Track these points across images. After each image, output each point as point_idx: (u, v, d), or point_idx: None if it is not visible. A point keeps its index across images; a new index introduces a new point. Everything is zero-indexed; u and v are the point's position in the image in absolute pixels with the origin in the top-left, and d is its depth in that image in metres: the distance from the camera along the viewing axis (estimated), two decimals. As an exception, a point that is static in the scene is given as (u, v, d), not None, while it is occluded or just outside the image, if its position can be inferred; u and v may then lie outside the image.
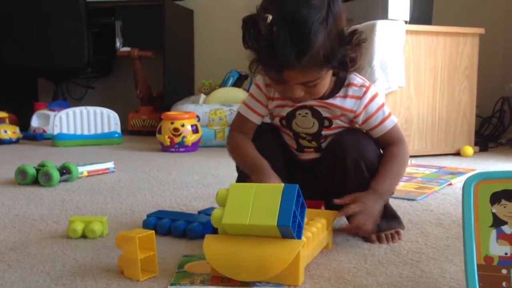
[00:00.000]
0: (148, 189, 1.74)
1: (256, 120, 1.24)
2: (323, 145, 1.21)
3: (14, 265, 1.01)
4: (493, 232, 0.78)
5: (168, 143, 2.70)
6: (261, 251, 0.88)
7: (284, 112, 1.20)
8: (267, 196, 0.90)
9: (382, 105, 1.17)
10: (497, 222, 0.78)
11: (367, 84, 1.18)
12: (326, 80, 1.11)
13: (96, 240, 1.16)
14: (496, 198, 0.80)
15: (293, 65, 1.02)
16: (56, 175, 1.78)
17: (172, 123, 2.70)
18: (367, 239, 1.15)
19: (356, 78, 1.18)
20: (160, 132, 2.73)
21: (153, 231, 0.95)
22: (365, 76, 2.32)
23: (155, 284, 0.91)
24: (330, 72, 1.11)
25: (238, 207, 0.90)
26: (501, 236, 0.77)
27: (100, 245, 1.13)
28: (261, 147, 1.20)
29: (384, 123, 1.17)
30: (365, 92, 1.16)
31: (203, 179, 1.93)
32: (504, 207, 0.79)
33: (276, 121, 1.23)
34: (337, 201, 1.11)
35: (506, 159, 2.49)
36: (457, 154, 2.58)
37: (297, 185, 0.91)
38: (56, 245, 1.13)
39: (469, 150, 2.56)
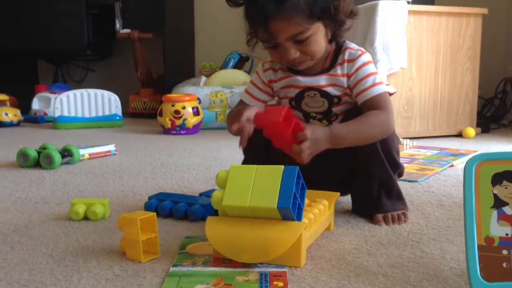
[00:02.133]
0: (149, 171, 1.74)
1: (254, 103, 1.24)
2: (334, 123, 1.20)
3: (17, 247, 1.01)
4: (494, 213, 0.78)
5: (169, 126, 2.69)
6: (263, 233, 0.88)
7: (292, 93, 1.20)
8: (267, 178, 0.90)
9: (374, 73, 1.16)
10: (498, 203, 0.78)
11: (363, 49, 1.18)
12: (318, 37, 1.10)
13: (98, 222, 1.17)
14: (497, 179, 0.80)
15: (274, 12, 1.03)
16: (57, 157, 1.78)
17: (173, 106, 2.69)
18: (373, 219, 1.15)
19: (352, 44, 1.19)
20: (161, 115, 2.73)
21: (155, 213, 0.95)
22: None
23: (157, 265, 0.91)
24: (322, 29, 1.10)
25: (238, 189, 0.91)
26: (502, 217, 0.77)
27: (102, 227, 1.13)
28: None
29: (372, 88, 1.14)
30: (359, 56, 1.16)
31: (204, 161, 1.93)
32: (506, 188, 0.79)
33: (285, 102, 1.23)
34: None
35: (508, 140, 2.49)
36: (459, 135, 2.58)
37: (297, 167, 0.91)
38: (58, 227, 1.14)
39: (471, 131, 2.56)
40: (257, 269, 0.87)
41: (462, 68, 2.57)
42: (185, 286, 0.81)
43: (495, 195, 0.79)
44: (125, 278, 0.86)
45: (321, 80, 1.17)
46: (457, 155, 1.99)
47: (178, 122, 2.69)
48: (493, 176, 0.81)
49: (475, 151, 2.09)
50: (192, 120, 2.71)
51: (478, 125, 2.66)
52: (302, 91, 1.19)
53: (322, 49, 1.12)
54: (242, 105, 1.24)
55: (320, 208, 1.02)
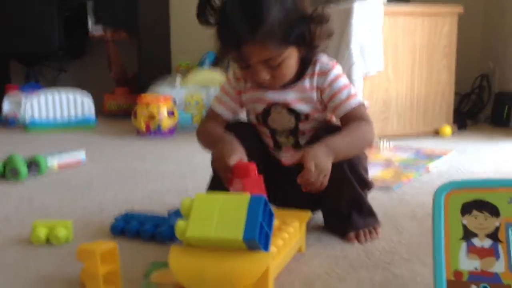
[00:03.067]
0: (120, 183, 1.70)
1: (227, 114, 1.21)
2: (301, 141, 1.17)
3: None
4: (463, 245, 0.75)
5: (144, 129, 2.64)
6: (229, 265, 0.84)
7: (259, 108, 1.16)
8: (233, 208, 0.87)
9: (348, 85, 1.14)
10: (468, 235, 0.76)
11: (334, 61, 1.15)
12: (291, 61, 1.08)
13: (60, 247, 1.12)
14: (467, 208, 0.78)
15: (248, 38, 1.01)
16: (23, 170, 1.72)
17: (147, 107, 2.64)
18: (345, 237, 1.13)
19: (323, 56, 1.15)
20: (135, 116, 2.67)
21: (115, 244, 0.91)
22: (342, 60, 2.28)
23: (119, 299, 0.87)
24: (295, 53, 1.08)
25: (202, 218, 0.87)
26: (471, 249, 0.75)
27: (64, 253, 1.09)
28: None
29: (349, 101, 1.11)
30: (331, 68, 1.13)
31: (178, 169, 1.89)
32: (475, 218, 0.77)
33: (253, 118, 1.20)
34: (285, 161, 1.05)
35: (483, 137, 2.49)
36: (436, 133, 2.57)
37: (264, 196, 0.88)
38: (19, 253, 1.09)
39: (447, 129, 2.55)
40: (222, 304, 0.84)
41: (439, 66, 2.56)
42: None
43: (464, 226, 0.76)
44: (83, 316, 0.82)
45: (289, 95, 1.13)
46: (432, 157, 1.98)
47: (153, 125, 2.63)
48: (463, 205, 0.78)
49: (449, 151, 2.07)
50: (167, 123, 2.66)
51: (455, 121, 2.66)
52: (269, 107, 1.15)
53: (293, 72, 1.10)
54: (213, 118, 1.21)
55: (290, 232, 0.99)
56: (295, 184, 1.13)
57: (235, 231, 0.84)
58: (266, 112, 1.16)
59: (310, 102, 1.14)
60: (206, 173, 1.23)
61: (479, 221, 0.76)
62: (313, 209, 1.24)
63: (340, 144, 1.05)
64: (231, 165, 0.99)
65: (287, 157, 1.03)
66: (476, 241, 0.75)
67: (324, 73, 1.12)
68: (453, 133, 2.58)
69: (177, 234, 0.88)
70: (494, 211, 0.77)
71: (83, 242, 1.12)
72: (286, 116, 1.15)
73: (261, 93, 1.15)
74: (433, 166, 1.86)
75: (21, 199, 1.51)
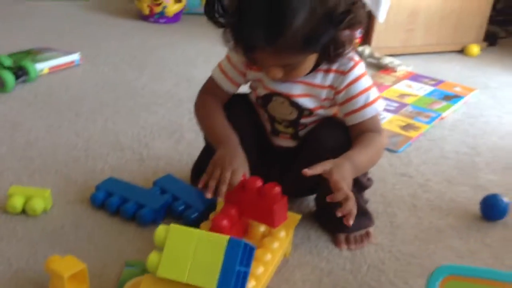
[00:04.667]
0: (112, 105, 1.60)
1: (231, 89, 1.09)
2: (301, 133, 1.06)
3: None
4: None
5: (147, 13, 2.44)
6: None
7: (261, 91, 1.03)
8: (210, 250, 0.80)
9: (368, 88, 1.00)
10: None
11: (356, 58, 0.99)
12: (308, 64, 0.95)
13: (36, 221, 1.07)
14: (462, 302, 0.71)
15: (264, 46, 0.85)
16: (10, 80, 1.61)
17: (151, -11, 2.40)
18: (335, 239, 1.07)
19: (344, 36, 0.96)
20: (138, -2, 2.45)
21: (84, 266, 0.86)
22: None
23: (87, 321, 0.85)
24: (314, 56, 0.93)
25: (176, 257, 0.80)
26: None
27: (39, 232, 1.04)
28: (233, 123, 1.04)
29: (364, 110, 0.99)
30: (352, 68, 0.98)
31: (175, 88, 1.77)
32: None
33: (253, 98, 1.07)
34: (307, 171, 0.91)
35: (509, 59, 2.31)
36: (462, 51, 2.36)
37: (243, 240, 0.80)
38: (-8, 227, 1.05)
39: (475, 49, 2.34)
40: None
41: (480, -26, 2.26)
42: None
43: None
44: None
45: (295, 88, 0.99)
46: (451, 97, 1.83)
47: (157, 9, 2.43)
48: (458, 297, 0.71)
49: (472, 90, 1.92)
50: (172, 8, 2.45)
51: (484, 38, 2.43)
52: (271, 94, 1.02)
53: (308, 70, 0.95)
54: (214, 92, 1.08)
55: (274, 249, 0.94)
56: (290, 169, 1.06)
57: (209, 279, 0.78)
58: (267, 98, 1.03)
59: (317, 98, 1.00)
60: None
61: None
62: (306, 195, 1.18)
63: (363, 161, 0.95)
64: (236, 183, 0.92)
65: (312, 168, 0.89)
66: None
67: (343, 72, 0.97)
68: (481, 50, 2.37)
69: (149, 268, 0.82)
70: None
71: (60, 215, 1.09)
72: (288, 108, 1.02)
73: (264, 77, 1.01)
74: (449, 112, 1.73)
75: (4, 125, 1.43)
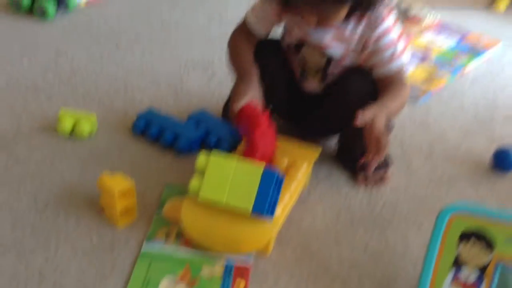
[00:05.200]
0: (147, 38, 1.67)
1: (262, 32, 1.15)
2: (328, 79, 1.13)
3: (3, 176, 1.05)
4: (451, 273, 0.80)
5: None
6: (237, 229, 0.91)
7: (294, 36, 1.10)
8: (246, 177, 0.89)
9: (396, 41, 1.06)
10: (458, 263, 0.80)
11: (388, 8, 1.05)
12: (341, 14, 1.00)
13: (84, 144, 1.18)
14: (466, 235, 0.80)
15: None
16: (51, 9, 1.69)
17: None
18: (354, 179, 1.16)
19: None
20: None
21: (133, 183, 0.96)
22: None
23: (133, 233, 0.96)
24: (348, 6, 0.99)
25: (216, 181, 0.90)
26: (456, 280, 0.80)
27: (86, 153, 1.15)
28: (264, 68, 1.11)
29: (391, 63, 1.06)
30: (382, 20, 1.04)
31: (207, 24, 1.83)
32: (472, 246, 0.80)
33: (284, 43, 1.13)
34: (359, 122, 0.97)
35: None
36: (489, 6, 2.37)
37: (276, 171, 0.90)
38: (46, 148, 1.15)
39: (503, 3, 2.34)
40: (223, 260, 0.93)
41: None
42: (153, 277, 0.88)
43: (458, 254, 0.80)
44: (100, 252, 0.92)
45: (326, 36, 1.06)
46: (475, 50, 1.87)
47: None
48: (462, 232, 0.81)
49: (496, 43, 1.95)
50: None
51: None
52: (303, 42, 1.08)
53: (341, 19, 1.01)
54: (246, 33, 1.15)
55: (298, 179, 1.03)
56: (316, 111, 1.15)
57: (246, 201, 0.89)
58: (299, 46, 1.10)
59: (346, 46, 1.07)
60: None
61: (475, 251, 0.79)
62: (329, 135, 1.26)
63: (393, 110, 1.04)
64: (235, 111, 0.99)
65: (362, 115, 0.95)
66: (464, 271, 0.80)
67: (374, 24, 1.03)
68: (508, 6, 2.37)
69: (191, 192, 0.92)
70: (490, 244, 0.80)
71: (105, 139, 1.19)
72: (318, 57, 1.09)
73: (300, 22, 1.07)
74: (472, 65, 1.77)
75: (48, 54, 1.52)
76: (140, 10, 1.87)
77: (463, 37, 1.98)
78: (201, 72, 1.53)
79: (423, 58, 1.79)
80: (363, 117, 0.96)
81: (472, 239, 0.80)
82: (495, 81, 1.71)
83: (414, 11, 2.11)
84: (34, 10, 1.69)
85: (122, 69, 1.48)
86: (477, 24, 2.17)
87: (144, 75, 1.47)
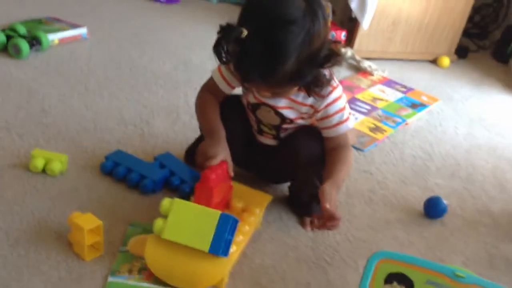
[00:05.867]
0: (116, 81, 1.78)
1: (227, 90, 1.27)
2: (282, 135, 1.27)
3: (-23, 212, 1.13)
4: (378, 311, 0.93)
5: (150, -9, 2.59)
6: (195, 265, 1.01)
7: (252, 99, 1.23)
8: (205, 220, 1.01)
9: (343, 109, 1.21)
10: (384, 303, 0.93)
11: (334, 84, 1.18)
12: (292, 90, 1.14)
13: (55, 180, 1.27)
14: (390, 278, 0.94)
15: (256, 82, 1.06)
16: (25, 48, 1.78)
17: (155, -29, 2.56)
18: (301, 223, 1.29)
19: (325, 72, 1.17)
20: (142, -23, 2.60)
21: (101, 223, 1.06)
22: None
23: (99, 266, 1.05)
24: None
25: (178, 224, 1.01)
26: (382, 316, 0.93)
27: (56, 191, 1.24)
28: (225, 120, 1.24)
29: (339, 126, 1.21)
30: (330, 92, 1.18)
31: (173, 70, 1.95)
32: (395, 287, 0.94)
33: (244, 101, 1.27)
34: (326, 207, 1.11)
35: (478, 74, 2.56)
36: (434, 61, 2.60)
37: (232, 216, 1.02)
38: (18, 183, 1.24)
39: (446, 61, 2.58)
40: (180, 294, 1.03)
41: (459, -7, 2.49)
42: (116, 309, 0.98)
43: (383, 295, 0.93)
44: (68, 284, 1.01)
45: (280, 102, 1.20)
46: (417, 105, 2.07)
47: (160, -11, 2.59)
48: (388, 274, 0.94)
49: (436, 100, 2.16)
50: (174, -11, 2.61)
51: (456, 51, 2.67)
52: (259, 104, 1.22)
53: (291, 94, 1.16)
54: (213, 90, 1.26)
55: (251, 222, 1.16)
56: (270, 162, 1.29)
57: (204, 242, 1.00)
58: (256, 106, 1.23)
59: (297, 111, 1.21)
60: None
61: (398, 291, 0.93)
62: (281, 182, 1.40)
63: (342, 178, 1.19)
64: (204, 168, 1.12)
65: (327, 206, 1.09)
66: (386, 312, 0.93)
67: (322, 96, 1.17)
68: (452, 62, 2.61)
69: (155, 231, 1.03)
70: (410, 286, 0.94)
71: (74, 177, 1.29)
72: (273, 116, 1.23)
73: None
74: (413, 119, 1.96)
75: (21, 91, 1.61)
76: (110, 53, 1.98)
77: (407, 92, 2.18)
78: (166, 116, 1.64)
79: (371, 110, 1.97)
80: (330, 207, 1.10)
81: (394, 283, 0.94)
82: (432, 134, 1.89)
83: (365, 65, 2.30)
84: (8, 48, 1.77)
85: (91, 110, 1.59)
86: (421, 78, 2.39)
87: (112, 117, 1.57)
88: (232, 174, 1.17)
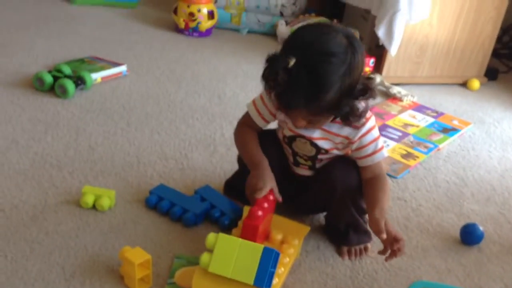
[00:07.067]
0: (156, 118, 1.87)
1: (262, 124, 1.34)
2: (317, 166, 1.32)
3: (35, 248, 1.21)
4: None
5: (183, 26, 2.70)
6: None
7: (286, 132, 1.29)
8: (249, 254, 1.07)
9: (377, 138, 1.26)
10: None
11: (368, 114, 1.23)
12: (328, 119, 1.20)
13: (104, 216, 1.34)
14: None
15: (300, 108, 1.12)
16: (71, 88, 1.88)
17: (188, 7, 2.66)
18: (339, 250, 1.33)
19: (360, 104, 1.23)
20: (176, 13, 2.71)
21: (150, 257, 1.13)
22: (386, 5, 2.25)
23: (149, 299, 1.12)
24: None
25: (223, 258, 1.07)
26: None
27: (107, 226, 1.31)
28: (264, 153, 1.30)
29: (374, 155, 1.26)
30: (364, 123, 1.23)
31: (208, 103, 2.03)
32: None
33: (280, 135, 1.33)
34: (383, 236, 1.17)
35: (506, 95, 2.56)
36: (464, 84, 2.62)
37: (275, 250, 1.07)
38: (70, 219, 1.32)
39: (476, 84, 2.59)
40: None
41: (486, 17, 2.51)
42: None
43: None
44: (121, 316, 1.08)
45: (315, 133, 1.25)
46: (448, 130, 2.09)
47: (192, 24, 2.69)
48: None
49: (468, 124, 2.17)
50: (206, 24, 2.71)
51: (485, 73, 2.68)
52: (295, 136, 1.28)
53: (326, 123, 1.21)
54: (249, 124, 1.33)
55: (291, 254, 1.21)
56: (306, 193, 1.34)
57: (249, 276, 1.06)
58: (292, 138, 1.29)
59: (332, 142, 1.26)
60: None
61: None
62: (317, 213, 1.44)
63: (386, 205, 1.24)
64: (256, 198, 1.18)
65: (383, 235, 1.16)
66: None
67: (357, 127, 1.22)
68: (482, 85, 2.62)
69: (201, 264, 1.09)
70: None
71: (122, 212, 1.36)
72: (309, 147, 1.28)
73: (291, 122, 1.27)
74: (445, 144, 1.98)
75: (69, 132, 1.70)
76: (149, 89, 2.07)
77: (438, 117, 2.21)
78: (203, 149, 1.72)
79: (402, 136, 2.00)
80: (387, 235, 1.16)
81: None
82: (465, 158, 1.91)
83: (395, 91, 2.34)
84: (55, 88, 1.88)
85: (133, 146, 1.67)
86: (452, 102, 2.41)
87: (153, 151, 1.65)
88: (280, 199, 1.24)
